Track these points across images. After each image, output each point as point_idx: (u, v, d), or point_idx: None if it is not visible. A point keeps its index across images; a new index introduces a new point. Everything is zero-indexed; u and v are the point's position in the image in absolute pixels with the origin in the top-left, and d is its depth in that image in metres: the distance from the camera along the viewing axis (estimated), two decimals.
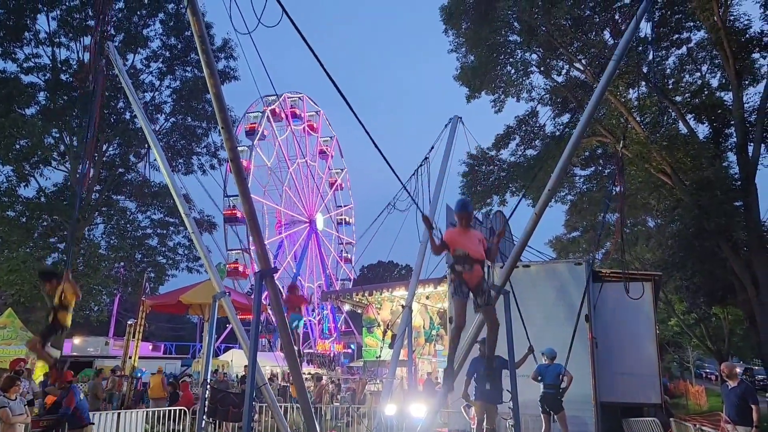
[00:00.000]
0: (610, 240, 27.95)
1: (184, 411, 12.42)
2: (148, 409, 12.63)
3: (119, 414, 11.17)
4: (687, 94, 21.80)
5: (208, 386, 7.67)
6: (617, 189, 25.83)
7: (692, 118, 21.74)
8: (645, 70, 21.32)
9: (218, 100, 5.26)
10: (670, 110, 21.34)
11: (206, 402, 7.70)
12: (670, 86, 21.75)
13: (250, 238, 43.44)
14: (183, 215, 8.61)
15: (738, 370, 9.47)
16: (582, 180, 28.07)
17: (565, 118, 24.91)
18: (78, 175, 27.06)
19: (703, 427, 8.42)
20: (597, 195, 26.71)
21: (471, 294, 5.97)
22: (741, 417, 8.24)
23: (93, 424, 8.93)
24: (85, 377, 22.20)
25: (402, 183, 7.20)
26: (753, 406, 8.21)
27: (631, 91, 22.04)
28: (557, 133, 24.55)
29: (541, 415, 9.46)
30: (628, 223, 34.47)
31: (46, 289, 6.90)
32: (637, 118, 21.38)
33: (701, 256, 19.34)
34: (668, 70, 22.34)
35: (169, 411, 12.39)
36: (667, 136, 20.36)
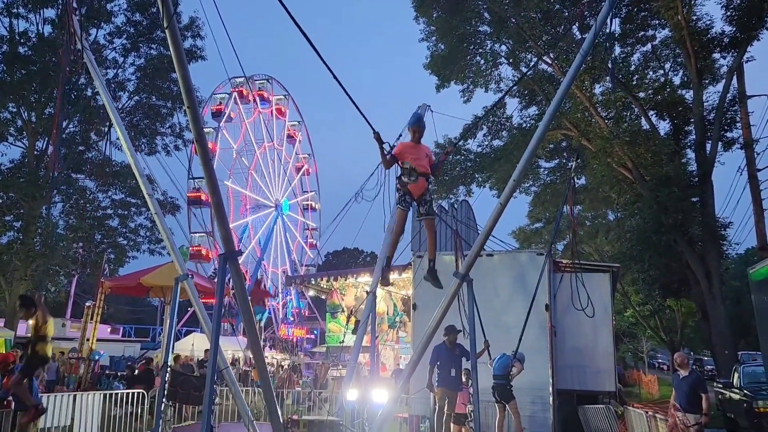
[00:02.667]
0: (570, 232, 28.52)
1: (143, 394, 12.26)
2: (105, 392, 12.41)
3: (75, 396, 10.98)
4: (650, 91, 22.30)
5: (169, 369, 7.60)
6: (579, 181, 26.37)
7: (654, 115, 22.29)
8: (611, 65, 21.72)
9: (184, 80, 5.16)
10: (634, 106, 21.81)
11: (166, 385, 7.63)
12: (634, 82, 22.20)
13: (215, 222, 42.96)
14: (146, 195, 8.44)
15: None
16: (546, 172, 28.55)
17: (533, 110, 25.22)
18: (36, 153, 26.26)
19: (656, 415, 8.71)
20: (560, 187, 27.20)
21: (414, 203, 6.33)
22: (691, 405, 8.55)
23: (40, 405, 8.76)
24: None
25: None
26: (703, 395, 8.54)
27: (596, 85, 22.45)
28: (524, 125, 24.86)
29: (495, 404, 9.65)
30: (589, 215, 35.26)
31: (23, 316, 6.75)
32: (602, 113, 21.79)
33: (658, 250, 19.91)
34: (633, 66, 22.80)
35: (127, 394, 12.21)
36: (630, 131, 20.81)
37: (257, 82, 48.57)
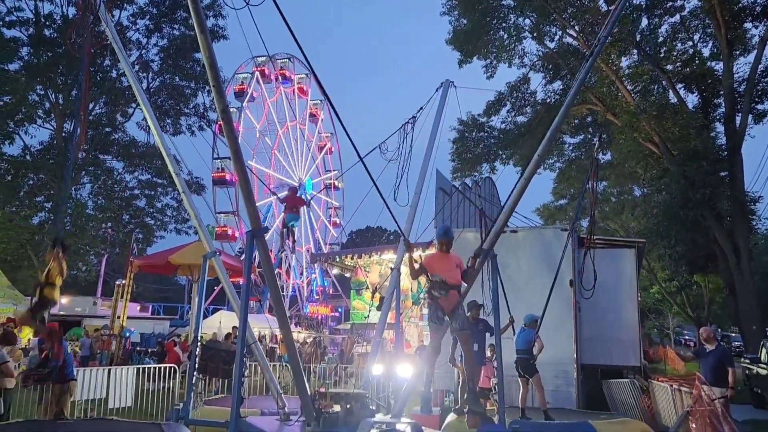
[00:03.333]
0: (596, 208, 28.24)
1: (174, 369, 12.60)
2: (137, 366, 12.78)
3: (109, 370, 11.33)
4: (678, 63, 21.78)
5: (199, 344, 7.81)
6: (605, 157, 26.01)
7: (682, 88, 21.80)
8: (638, 38, 21.24)
9: (210, 62, 5.21)
10: (661, 79, 21.35)
11: (197, 359, 7.84)
12: (662, 54, 21.70)
13: (239, 201, 43.44)
14: (173, 175, 8.58)
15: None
16: (571, 147, 28.17)
17: (557, 85, 24.83)
18: (64, 134, 26.71)
19: (681, 388, 8.70)
20: (585, 163, 26.86)
21: (447, 318, 6.19)
22: (717, 379, 8.52)
23: (75, 380, 9.07)
24: (74, 336, 22.34)
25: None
26: (729, 369, 8.50)
27: (623, 59, 22.00)
28: (548, 100, 24.51)
29: (518, 379, 9.69)
30: (615, 191, 34.82)
31: (48, 257, 6.97)
32: (628, 87, 21.38)
33: (685, 225, 19.63)
34: (661, 38, 22.26)
35: (158, 368, 12.55)
36: (657, 105, 20.42)
37: (279, 61, 48.47)
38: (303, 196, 39.08)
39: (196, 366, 7.84)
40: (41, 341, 13.56)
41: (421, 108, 9.03)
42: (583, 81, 7.87)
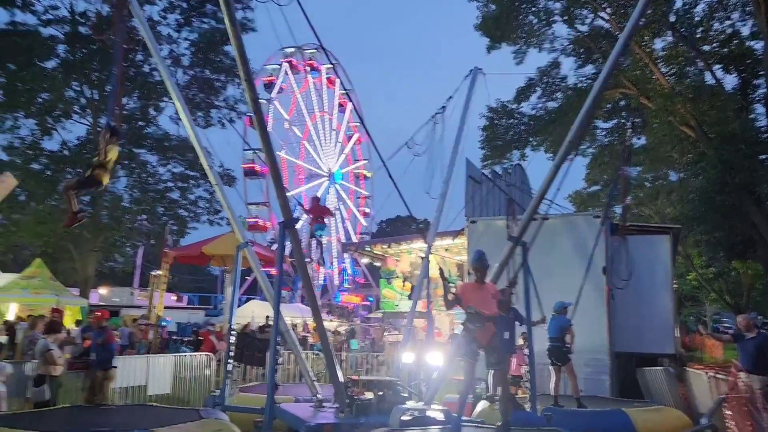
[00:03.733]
0: (630, 194, 27.69)
1: (209, 357, 12.90)
2: (174, 355, 13.13)
3: (148, 359, 11.68)
4: (715, 44, 21.15)
5: (234, 332, 7.98)
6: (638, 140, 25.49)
7: (720, 69, 21.19)
8: (673, 18, 20.71)
9: (241, 55, 5.30)
10: (697, 60, 20.80)
11: (232, 347, 8.02)
12: (698, 35, 21.11)
13: (270, 192, 43.93)
14: (206, 168, 8.75)
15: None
16: (604, 133, 27.63)
17: (589, 69, 24.37)
18: (99, 129, 27.30)
19: (716, 375, 8.55)
20: (619, 148, 26.34)
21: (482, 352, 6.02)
22: (756, 367, 8.30)
23: (116, 367, 9.36)
24: (113, 325, 22.96)
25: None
26: None
27: (657, 40, 21.48)
28: (580, 85, 24.10)
29: (550, 367, 9.62)
30: (649, 176, 34.11)
31: (102, 141, 6.87)
32: (662, 69, 20.88)
33: (723, 211, 19.15)
34: (697, 18, 21.64)
35: (194, 357, 12.87)
36: (693, 87, 19.92)
37: (307, 51, 48.67)
38: (326, 205, 39.35)
39: (232, 354, 8.01)
40: (84, 330, 14.03)
41: (450, 97, 9.00)
42: (614, 63, 7.73)
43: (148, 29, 8.24)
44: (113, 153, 6.90)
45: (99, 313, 9.74)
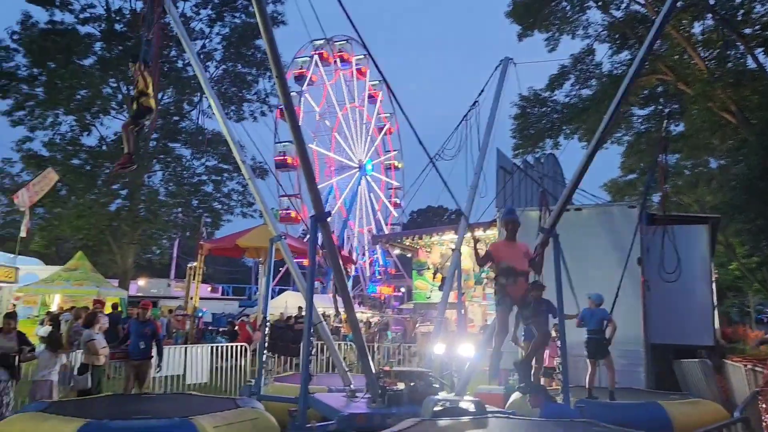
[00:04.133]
0: (668, 183, 27.04)
1: (245, 347, 13.15)
2: (211, 345, 13.43)
3: (186, 349, 11.98)
4: (757, 26, 20.46)
5: (268, 323, 8.12)
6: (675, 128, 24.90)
7: (761, 52, 20.49)
8: (712, 1, 20.11)
9: (273, 52, 5.37)
10: (738, 44, 20.16)
11: (266, 338, 8.17)
12: (739, 18, 20.44)
13: (301, 184, 44.28)
14: (239, 163, 8.91)
15: None
16: (640, 120, 27.01)
17: (624, 55, 23.84)
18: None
19: (755, 368, 8.35)
20: (656, 135, 25.76)
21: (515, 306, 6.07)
22: None
23: (153, 357, 9.62)
24: (153, 316, 23.54)
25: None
26: None
27: (695, 24, 20.91)
28: (615, 72, 23.60)
29: (587, 360, 9.51)
30: (688, 164, 33.25)
31: (138, 72, 7.08)
32: (701, 54, 20.32)
33: (765, 198, 18.59)
34: (737, 0, 20.96)
35: (230, 347, 13.14)
36: (733, 72, 19.34)
37: (337, 43, 48.77)
38: (349, 252, 39.30)
39: (266, 345, 8.16)
40: (124, 321, 14.41)
41: (482, 90, 8.94)
42: (650, 47, 7.55)
43: (181, 25, 8.38)
44: (150, 78, 7.09)
45: (144, 305, 10.03)
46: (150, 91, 7.15)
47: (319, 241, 6.79)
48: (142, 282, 35.80)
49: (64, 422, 5.99)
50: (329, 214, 6.50)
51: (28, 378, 8.83)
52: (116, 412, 6.92)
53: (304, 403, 6.18)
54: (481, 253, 6.11)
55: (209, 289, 39.24)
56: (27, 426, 6.03)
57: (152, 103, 7.22)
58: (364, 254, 51.06)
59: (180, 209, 29.78)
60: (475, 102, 8.86)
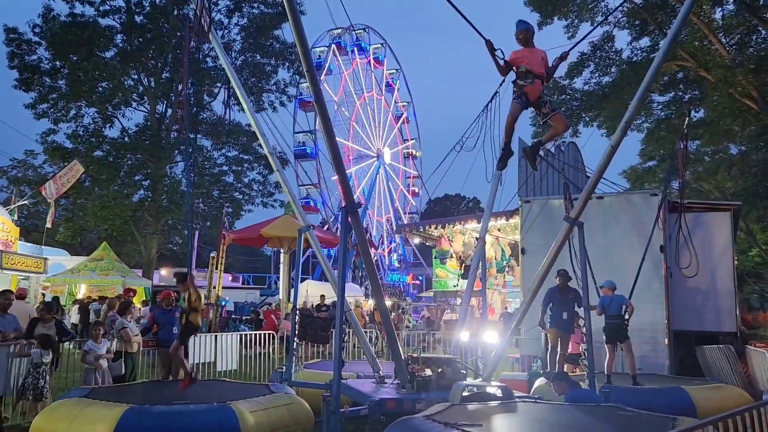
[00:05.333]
0: (689, 169, 26.83)
1: (272, 335, 13.45)
2: (240, 333, 13.75)
3: (216, 336, 12.29)
4: None
5: (297, 312, 8.35)
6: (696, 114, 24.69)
7: None
8: None
9: (302, 45, 5.53)
10: (760, 29, 19.92)
11: (296, 326, 8.41)
12: (761, 2, 20.18)
13: (320, 174, 44.55)
14: (267, 154, 9.10)
15: None
16: (660, 107, 26.81)
17: (644, 42, 23.64)
18: (157, 116, 28.27)
19: None
20: (676, 122, 25.56)
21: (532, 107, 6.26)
22: None
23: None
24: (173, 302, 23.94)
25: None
26: None
27: (716, 9, 20.66)
28: (635, 59, 23.43)
29: (605, 345, 9.68)
30: (708, 150, 32.93)
31: (183, 289, 7.56)
32: (722, 40, 20.10)
33: None
34: None
35: (257, 335, 13.43)
36: (755, 57, 19.14)
37: (354, 32, 48.79)
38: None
39: (296, 332, 8.40)
40: (152, 309, 14.76)
41: (503, 81, 8.97)
42: (674, 38, 7.60)
43: (224, 53, 8.57)
44: (195, 293, 7.46)
45: (171, 293, 10.30)
46: (200, 306, 7.48)
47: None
48: (164, 272, 36.35)
49: (108, 407, 6.22)
50: (360, 204, 6.67)
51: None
52: (155, 397, 7.19)
53: (337, 388, 6.39)
54: (502, 63, 6.23)
55: (230, 278, 39.71)
56: (72, 411, 6.26)
57: (198, 320, 7.57)
58: (382, 243, 51.32)
59: (201, 199, 30.14)
60: (496, 92, 8.93)
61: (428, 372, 7.61)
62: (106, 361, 8.82)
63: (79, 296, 22.19)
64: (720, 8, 20.57)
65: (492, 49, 6.09)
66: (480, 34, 6.08)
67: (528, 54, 6.24)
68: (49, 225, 25.50)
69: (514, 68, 6.22)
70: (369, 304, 24.63)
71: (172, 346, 7.85)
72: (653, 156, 32.56)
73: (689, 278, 10.69)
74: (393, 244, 52.50)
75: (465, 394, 6.46)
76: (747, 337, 14.27)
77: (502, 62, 6.20)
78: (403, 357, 7.61)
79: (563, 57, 6.64)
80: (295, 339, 8.47)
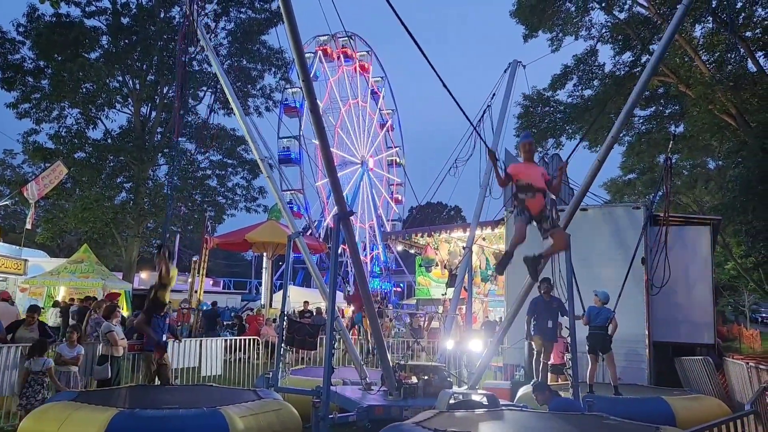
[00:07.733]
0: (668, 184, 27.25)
1: (256, 340, 13.41)
2: (224, 338, 13.68)
3: (200, 341, 12.23)
4: (758, 30, 20.73)
5: (286, 318, 8.38)
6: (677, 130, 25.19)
7: (762, 56, 20.78)
8: (714, 4, 20.35)
9: (299, 57, 5.61)
10: (739, 47, 20.42)
11: (284, 332, 8.43)
12: (740, 21, 20.69)
13: (304, 180, 44.47)
14: (258, 160, 9.17)
15: None
16: (641, 121, 27.32)
17: (627, 56, 24.11)
18: (141, 118, 28.08)
19: (759, 366, 8.65)
20: (656, 136, 26.05)
21: (534, 222, 6.34)
22: None
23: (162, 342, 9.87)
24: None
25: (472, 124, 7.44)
26: None
27: (696, 27, 21.15)
28: (617, 72, 23.87)
29: (588, 355, 9.82)
30: (687, 164, 33.59)
31: (162, 261, 7.61)
32: (703, 57, 20.58)
33: (764, 200, 18.89)
34: (739, 3, 21.20)
35: (241, 340, 13.40)
36: (734, 75, 19.61)
37: (340, 39, 48.95)
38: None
39: (284, 338, 8.43)
40: (137, 314, 14.66)
41: (493, 94, 9.19)
42: (660, 57, 7.83)
43: (204, 31, 8.60)
44: (174, 272, 7.53)
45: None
46: (172, 283, 7.57)
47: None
48: (144, 275, 35.93)
49: (98, 411, 6.21)
50: (352, 212, 6.76)
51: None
52: (143, 402, 7.17)
53: (327, 394, 6.45)
54: (503, 175, 6.36)
55: (211, 282, 39.44)
56: (61, 414, 6.22)
57: (167, 297, 7.67)
58: (364, 249, 51.36)
59: (182, 204, 29.88)
60: (488, 106, 9.11)
61: (415, 379, 7.71)
62: (77, 367, 8.71)
63: (58, 298, 21.89)
64: (700, 26, 21.07)
65: (494, 159, 6.31)
66: (483, 141, 6.17)
67: (527, 169, 6.40)
68: (29, 226, 25.11)
69: (513, 181, 6.33)
70: (349, 310, 24.66)
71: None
72: (633, 169, 33.15)
73: (669, 291, 10.93)
74: (375, 251, 52.57)
75: (452, 401, 6.57)
76: (722, 350, 14.57)
77: (503, 174, 6.33)
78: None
79: (561, 169, 6.78)
80: (283, 345, 8.49)
